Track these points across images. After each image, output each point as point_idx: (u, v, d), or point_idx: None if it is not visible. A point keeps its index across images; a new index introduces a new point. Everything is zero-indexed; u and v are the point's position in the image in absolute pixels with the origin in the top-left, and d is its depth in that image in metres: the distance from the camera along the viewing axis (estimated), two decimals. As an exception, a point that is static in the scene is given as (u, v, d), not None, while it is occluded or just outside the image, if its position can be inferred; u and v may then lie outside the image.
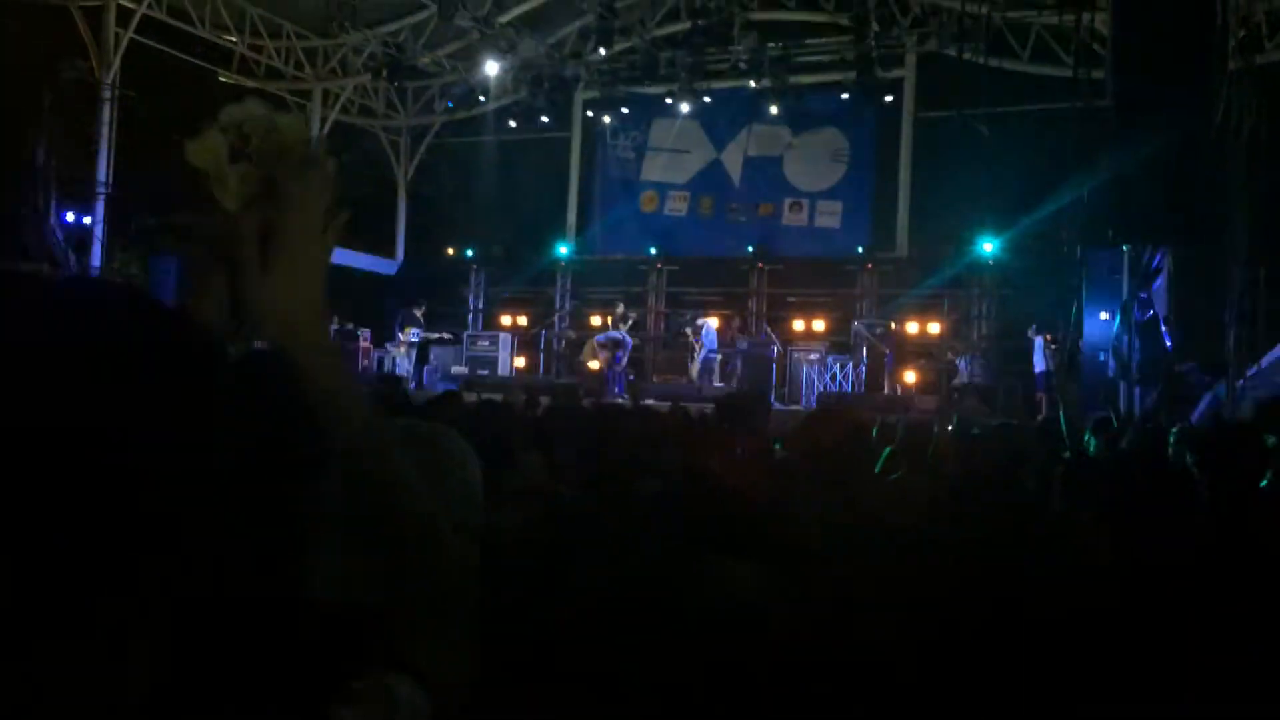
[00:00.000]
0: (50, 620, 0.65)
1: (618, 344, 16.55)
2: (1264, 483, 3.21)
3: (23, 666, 0.64)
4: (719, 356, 17.36)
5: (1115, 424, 7.80)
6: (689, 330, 17.38)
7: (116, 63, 17.18)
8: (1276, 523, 2.96)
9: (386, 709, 0.82)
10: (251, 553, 0.79)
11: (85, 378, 0.67)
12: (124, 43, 17.19)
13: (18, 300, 0.71)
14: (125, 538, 0.67)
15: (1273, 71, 14.19)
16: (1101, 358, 12.37)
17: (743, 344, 17.49)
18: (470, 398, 8.48)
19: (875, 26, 17.40)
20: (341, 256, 22.44)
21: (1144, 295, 11.65)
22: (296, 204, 0.97)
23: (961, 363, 16.53)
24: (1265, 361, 12.67)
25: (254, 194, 0.96)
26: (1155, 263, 11.94)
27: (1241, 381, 11.54)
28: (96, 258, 17.12)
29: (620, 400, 14.38)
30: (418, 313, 17.97)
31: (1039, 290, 14.65)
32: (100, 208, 17.12)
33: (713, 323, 17.41)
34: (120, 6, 17.14)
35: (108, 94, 17.04)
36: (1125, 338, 11.46)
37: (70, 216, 17.48)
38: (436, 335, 18.32)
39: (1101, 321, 12.68)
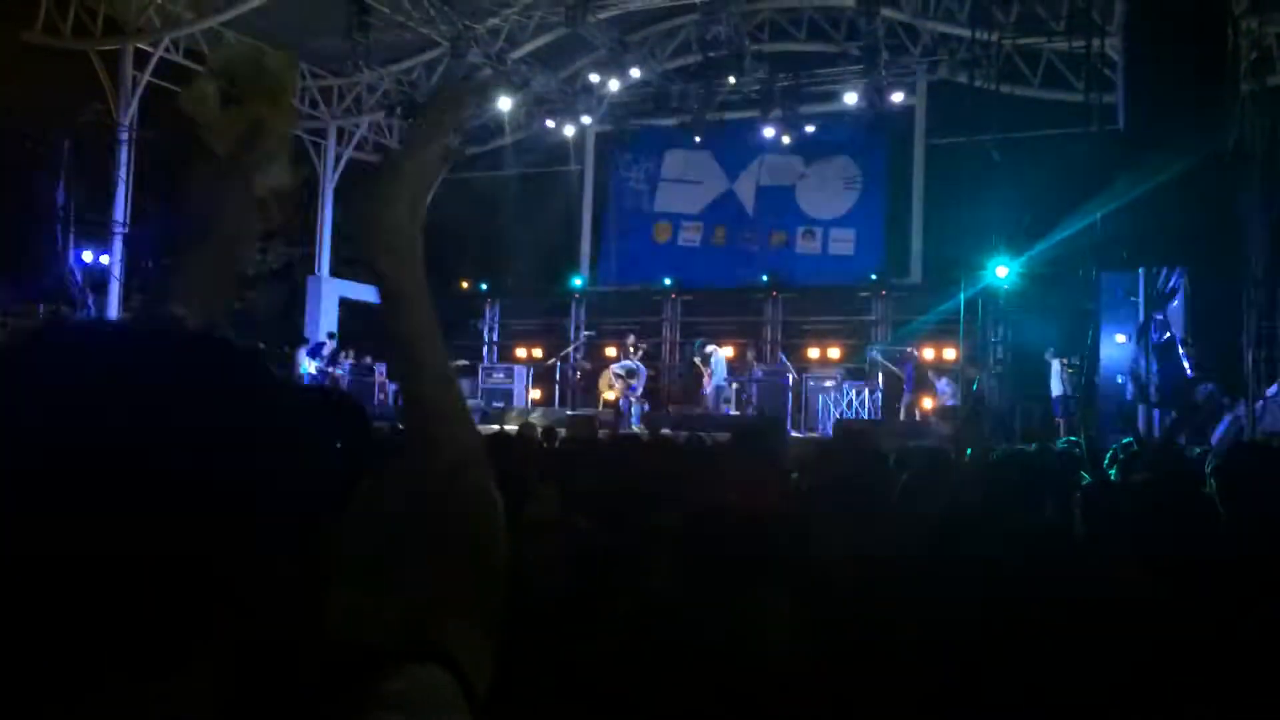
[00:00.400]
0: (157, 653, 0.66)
1: (633, 374, 16.55)
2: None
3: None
4: (732, 385, 17.34)
5: (1136, 447, 7.74)
6: (698, 360, 17.37)
7: (134, 105, 17.39)
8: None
9: (425, 697, 0.81)
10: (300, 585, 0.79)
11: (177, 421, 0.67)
12: (141, 85, 17.41)
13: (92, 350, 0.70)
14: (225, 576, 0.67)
15: (1285, 93, 14.18)
16: (1119, 381, 12.30)
17: (758, 372, 17.47)
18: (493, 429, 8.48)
19: (885, 55, 17.47)
20: (354, 290, 22.59)
21: (1160, 317, 11.61)
22: (422, 138, 0.98)
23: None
24: (1285, 383, 12.57)
25: (242, 137, 0.95)
26: (1171, 285, 11.90)
27: (1261, 402, 11.45)
28: (114, 297, 17.26)
29: (636, 430, 14.37)
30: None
31: (1054, 314, 14.59)
32: (118, 248, 17.28)
33: (722, 352, 17.39)
34: (138, 50, 17.37)
35: (125, 136, 17.24)
36: (1142, 360, 11.41)
37: (88, 256, 17.65)
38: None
39: (1118, 344, 12.61)
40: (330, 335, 19.43)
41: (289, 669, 0.75)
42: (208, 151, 0.94)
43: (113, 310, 17.26)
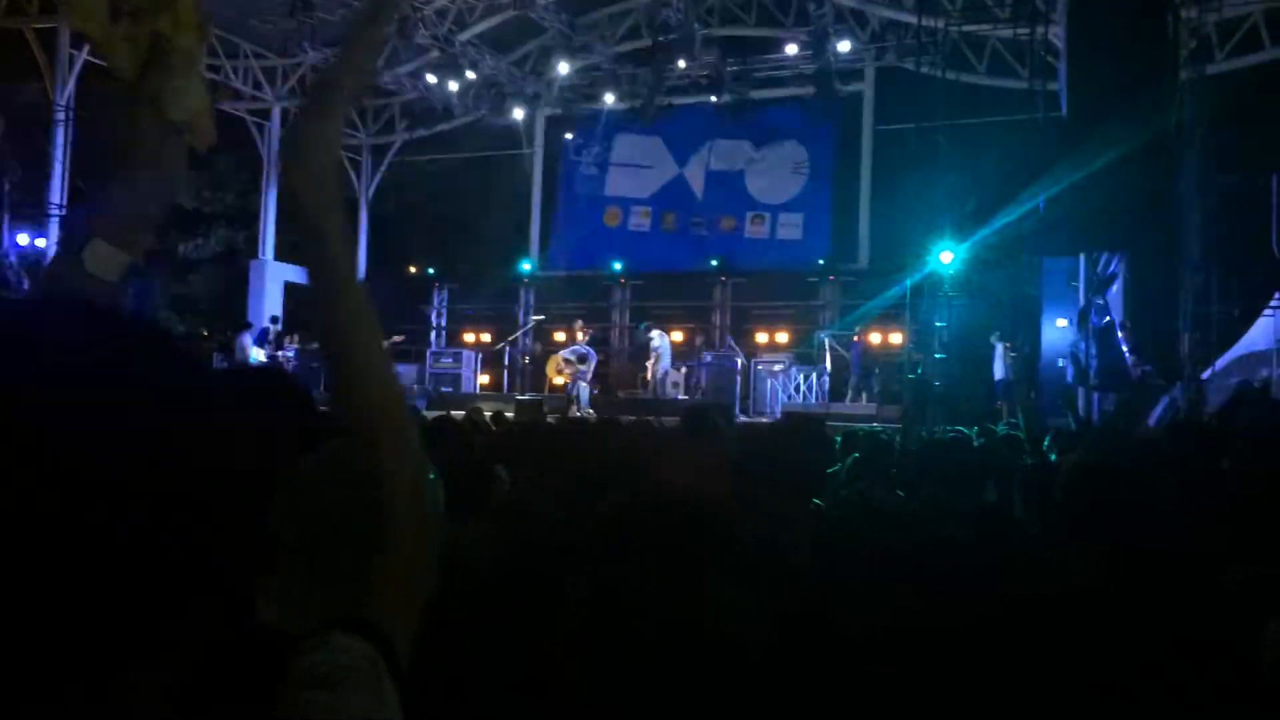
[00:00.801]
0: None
1: (582, 359, 16.54)
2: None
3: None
4: (681, 370, 17.41)
5: (1075, 429, 7.89)
6: (643, 344, 17.39)
7: (71, 85, 16.99)
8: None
9: (348, 672, 0.81)
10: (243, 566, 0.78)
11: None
12: (78, 64, 17.01)
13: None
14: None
15: (1224, 81, 14.48)
16: (1060, 364, 12.53)
17: (707, 357, 17.54)
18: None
19: (834, 41, 17.57)
20: (299, 274, 22.43)
21: (1100, 302, 11.82)
22: (355, 59, 0.96)
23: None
24: (1219, 365, 12.89)
25: (145, 56, 0.89)
26: (1111, 270, 12.13)
27: (1196, 385, 11.72)
28: (52, 280, 16.88)
29: (585, 414, 14.38)
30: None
31: (998, 298, 14.82)
32: (54, 229, 16.90)
33: (666, 336, 17.43)
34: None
35: (61, 116, 16.84)
36: (1083, 344, 11.62)
37: (24, 239, 17.25)
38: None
39: (1059, 329, 12.84)
40: (274, 319, 19.16)
41: (224, 654, 0.75)
42: (111, 75, 0.89)
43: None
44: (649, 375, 17.20)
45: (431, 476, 1.11)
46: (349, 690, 0.79)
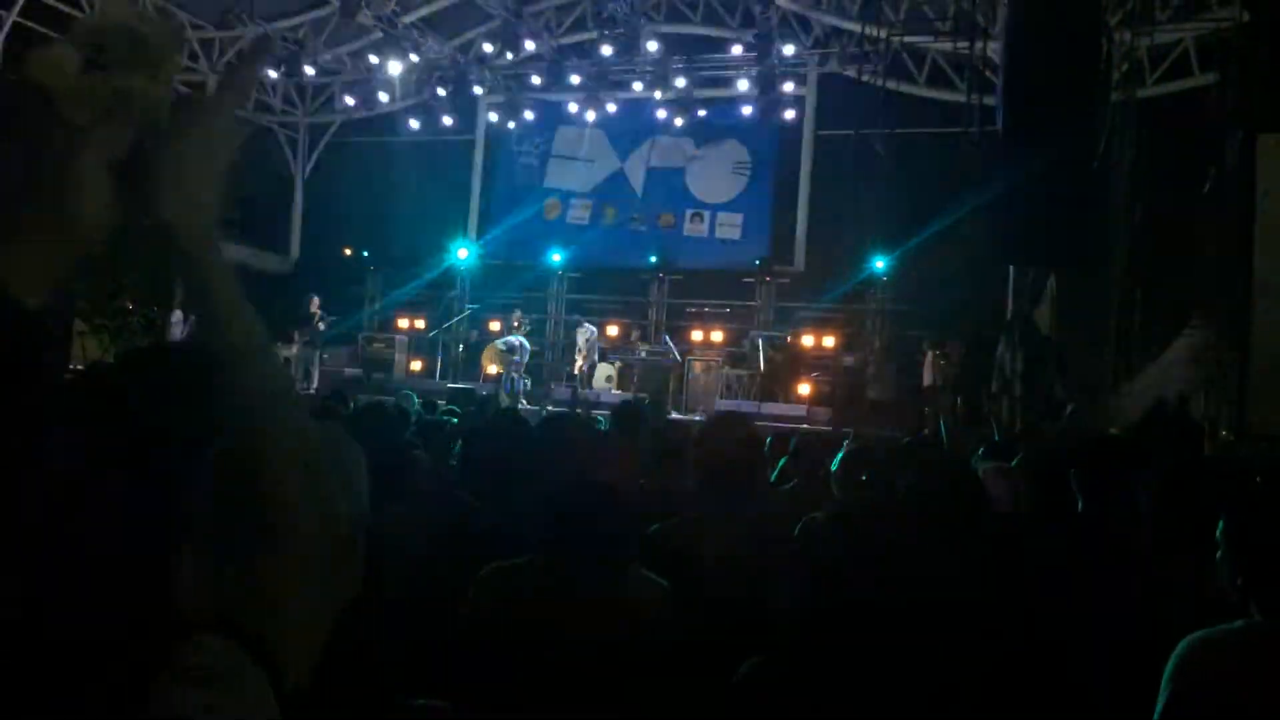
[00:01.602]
0: None
1: (515, 349, 16.48)
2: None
3: None
4: (616, 364, 17.43)
5: (997, 439, 8.03)
6: (582, 338, 17.37)
7: (-2, 46, 16.49)
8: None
9: (227, 673, 0.80)
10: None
11: None
12: (7, 26, 16.50)
13: None
14: None
15: (1153, 105, 14.85)
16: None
17: (641, 353, 17.57)
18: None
19: (778, 44, 17.69)
20: (232, 252, 21.92)
21: (1027, 314, 12.05)
22: (216, 104, 0.93)
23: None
24: (1136, 380, 13.21)
25: (106, 107, 0.86)
26: (1041, 283, 12.39)
27: (1112, 400, 12.02)
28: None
29: (516, 405, 14.32)
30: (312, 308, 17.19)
31: (930, 306, 15.05)
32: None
33: (593, 331, 17.47)
34: (4, -13, 16.47)
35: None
36: (1008, 355, 11.83)
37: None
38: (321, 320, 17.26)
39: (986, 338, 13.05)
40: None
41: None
42: (62, 118, 0.85)
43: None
44: (576, 369, 17.22)
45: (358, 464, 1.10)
46: (227, 690, 0.78)
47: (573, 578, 2.49)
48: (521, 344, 16.61)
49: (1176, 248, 13.36)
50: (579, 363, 17.15)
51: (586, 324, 17.55)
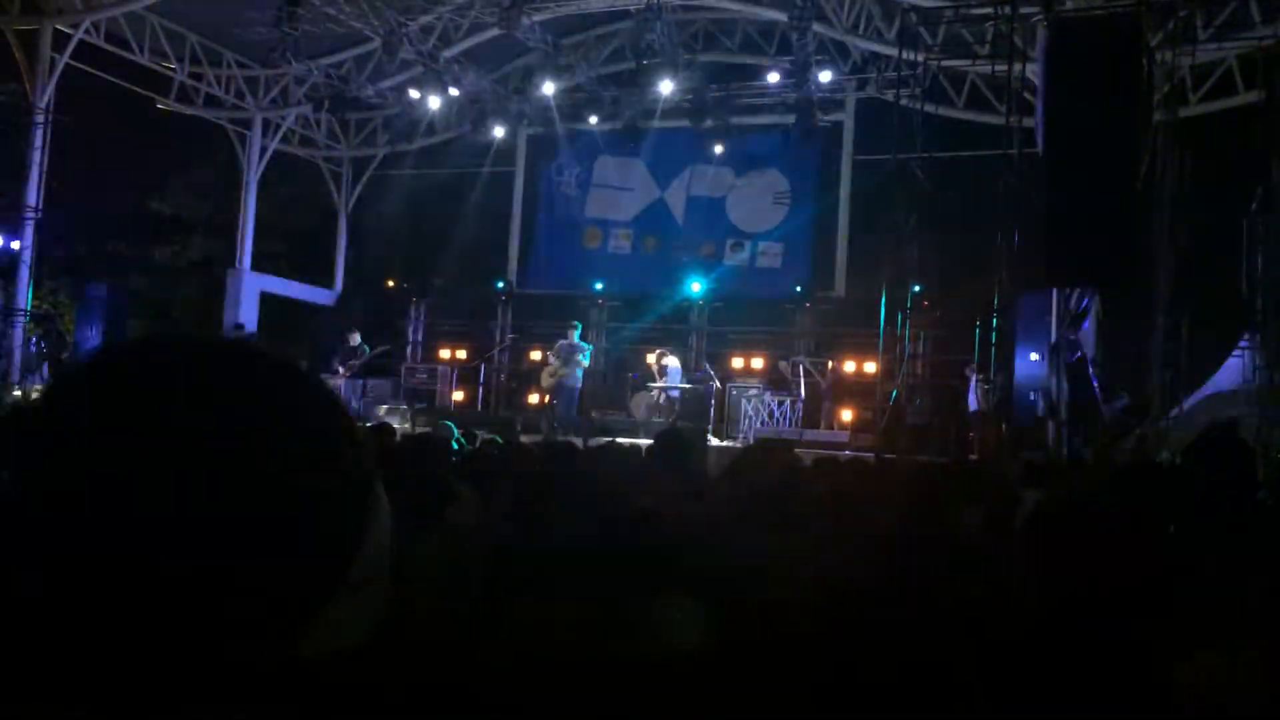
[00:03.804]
0: None
1: (575, 349, 16.10)
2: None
3: None
4: (654, 394, 17.34)
5: (1044, 461, 7.95)
6: (653, 363, 17.14)
7: (51, 87, 16.91)
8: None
9: None
10: None
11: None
12: (59, 67, 16.93)
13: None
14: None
15: (1196, 125, 14.70)
16: (1031, 398, 12.61)
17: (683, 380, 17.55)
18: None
19: (815, 71, 17.72)
20: (279, 285, 22.16)
21: (1072, 337, 11.92)
22: None
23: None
24: (1188, 404, 13.01)
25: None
26: (1083, 305, 12.25)
27: (1163, 422, 11.84)
28: (23, 283, 16.75)
29: (557, 435, 14.32)
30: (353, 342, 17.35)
31: (972, 330, 14.91)
32: (29, 232, 16.77)
33: (677, 361, 17.19)
34: (57, 31, 16.90)
35: (40, 118, 16.74)
36: (1054, 379, 11.70)
37: (-2, 241, 17.12)
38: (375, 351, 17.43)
39: (1031, 362, 12.93)
40: (238, 326, 18.97)
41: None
42: None
43: (22, 296, 16.75)
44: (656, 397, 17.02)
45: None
46: None
47: (614, 606, 2.48)
48: (581, 346, 16.27)
49: (1222, 267, 13.17)
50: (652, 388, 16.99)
51: (669, 355, 17.18)
